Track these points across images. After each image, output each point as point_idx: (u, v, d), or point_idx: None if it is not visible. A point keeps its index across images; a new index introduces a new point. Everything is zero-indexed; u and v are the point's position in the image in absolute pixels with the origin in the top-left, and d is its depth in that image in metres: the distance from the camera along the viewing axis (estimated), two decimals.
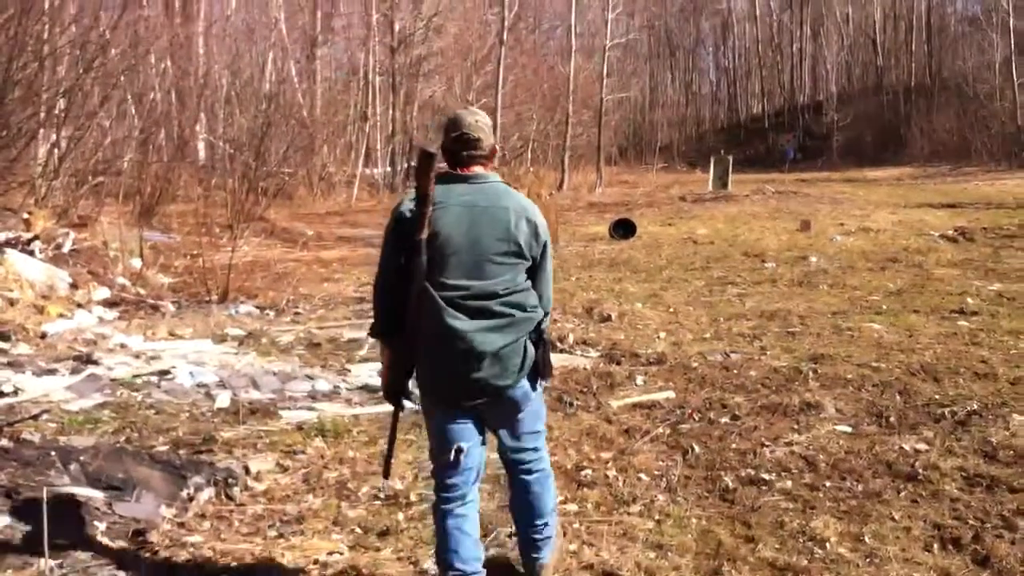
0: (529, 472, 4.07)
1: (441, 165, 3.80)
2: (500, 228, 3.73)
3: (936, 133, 50.75)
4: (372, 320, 3.96)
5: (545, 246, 3.91)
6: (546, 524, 4.11)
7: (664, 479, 5.55)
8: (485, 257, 3.71)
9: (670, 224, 21.97)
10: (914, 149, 51.91)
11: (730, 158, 33.80)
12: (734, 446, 6.09)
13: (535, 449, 4.08)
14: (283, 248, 16.93)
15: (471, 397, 3.80)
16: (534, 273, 3.90)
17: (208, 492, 5.24)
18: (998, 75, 47.69)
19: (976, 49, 53.33)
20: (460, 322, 3.66)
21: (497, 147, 4.08)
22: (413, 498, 5.23)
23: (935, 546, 4.59)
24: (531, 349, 3.84)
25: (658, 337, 9.59)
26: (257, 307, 11.28)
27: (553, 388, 7.53)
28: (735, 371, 8.11)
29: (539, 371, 3.91)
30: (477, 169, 3.83)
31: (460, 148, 3.80)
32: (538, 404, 4.06)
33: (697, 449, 6.03)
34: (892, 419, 6.59)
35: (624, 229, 18.87)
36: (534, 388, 3.93)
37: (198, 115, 23.96)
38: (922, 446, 5.98)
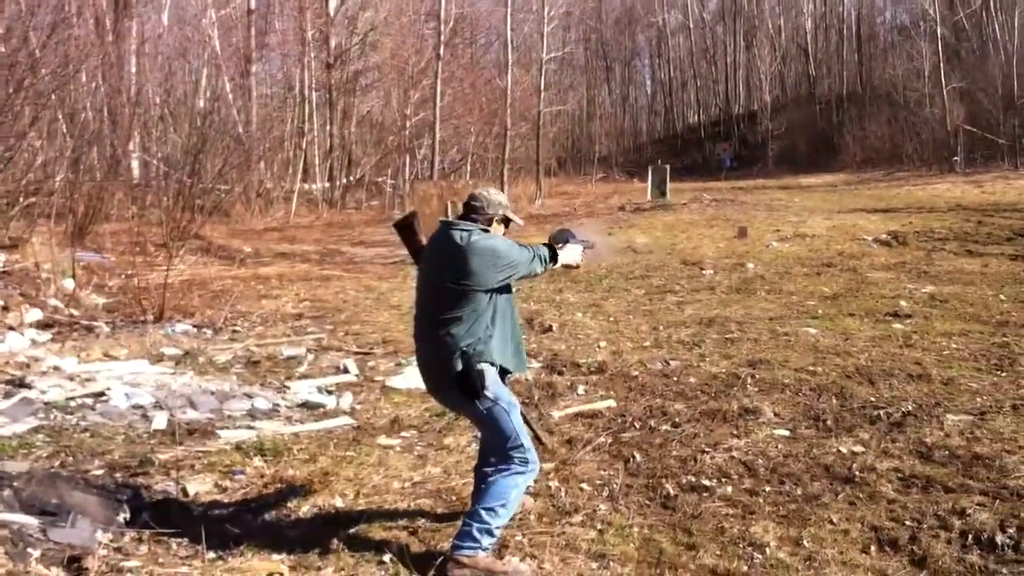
0: None
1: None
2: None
3: (868, 140, 51.68)
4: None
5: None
6: (472, 517, 4.48)
7: (606, 488, 5.56)
8: None
9: (610, 234, 22.06)
10: (847, 156, 52.80)
11: (668, 167, 34.01)
12: (675, 453, 6.13)
13: None
14: (220, 266, 16.74)
15: None
16: None
17: (145, 516, 5.14)
18: (927, 82, 48.67)
19: (905, 57, 54.36)
20: None
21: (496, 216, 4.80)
22: (354, 515, 5.19)
23: (872, 548, 4.66)
24: None
25: (599, 347, 9.63)
26: (194, 326, 11.12)
27: None
28: (675, 378, 8.17)
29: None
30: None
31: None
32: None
33: (639, 457, 6.06)
34: (829, 422, 6.68)
35: (564, 241, 18.89)
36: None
37: (131, 133, 23.59)
38: (859, 448, 6.07)
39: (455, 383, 4.48)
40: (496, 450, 4.59)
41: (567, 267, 5.16)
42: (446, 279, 4.49)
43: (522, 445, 4.58)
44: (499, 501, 4.47)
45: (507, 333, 4.67)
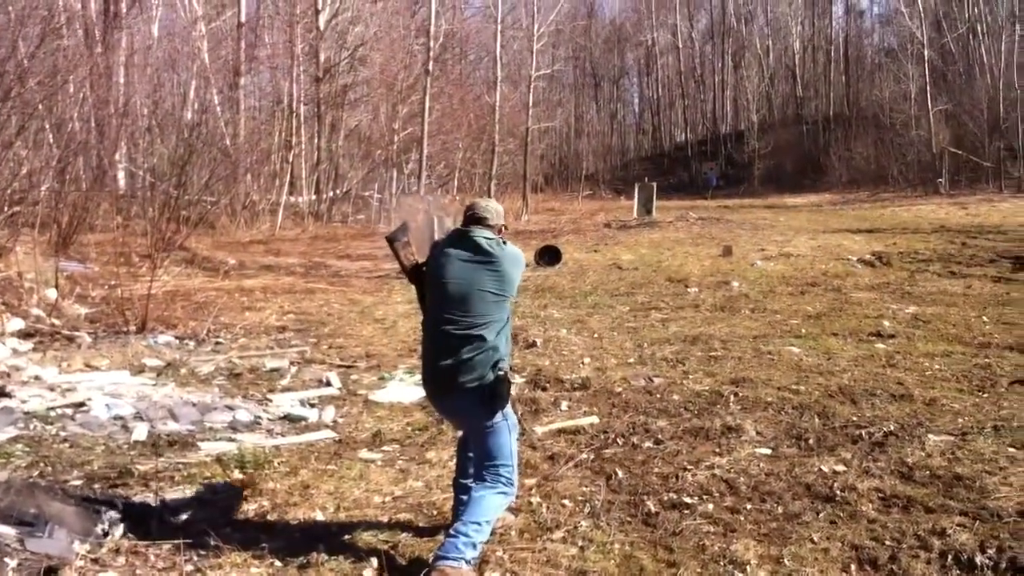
0: None
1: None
2: None
3: (854, 161, 52.12)
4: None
5: None
6: (458, 530, 4.51)
7: (588, 505, 5.55)
8: None
9: (595, 251, 22.13)
10: (833, 176, 53.23)
11: (654, 185, 34.16)
12: (657, 470, 6.13)
13: None
14: (204, 277, 16.68)
15: None
16: None
17: (123, 527, 5.11)
18: (914, 104, 49.11)
19: (892, 79, 54.85)
20: None
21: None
22: (335, 529, 5.16)
23: (853, 567, 4.66)
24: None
25: (583, 363, 9.62)
26: (176, 337, 11.08)
27: None
28: (658, 395, 8.18)
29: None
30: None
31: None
32: None
33: (621, 474, 6.05)
34: (811, 441, 6.69)
35: (550, 256, 18.94)
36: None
37: (118, 144, 23.54)
38: (840, 467, 6.07)
39: (482, 391, 4.58)
40: (490, 465, 4.69)
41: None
42: (484, 286, 4.65)
43: (512, 465, 4.73)
44: (485, 516, 4.55)
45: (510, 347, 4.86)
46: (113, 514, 5.16)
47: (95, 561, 4.71)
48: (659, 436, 6.89)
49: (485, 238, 4.73)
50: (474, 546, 4.48)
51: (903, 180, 46.77)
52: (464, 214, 4.94)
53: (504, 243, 4.79)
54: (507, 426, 4.70)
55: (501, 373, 4.61)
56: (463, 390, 4.60)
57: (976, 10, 52.25)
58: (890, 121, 50.54)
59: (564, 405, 7.96)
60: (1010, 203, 34.36)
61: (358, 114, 37.17)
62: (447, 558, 4.40)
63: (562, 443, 6.83)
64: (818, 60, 72.99)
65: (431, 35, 33.30)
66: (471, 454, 4.91)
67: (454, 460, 6.14)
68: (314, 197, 33.01)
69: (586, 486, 5.88)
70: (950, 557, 4.68)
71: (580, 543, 4.98)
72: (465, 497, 4.74)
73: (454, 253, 4.75)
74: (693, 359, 9.72)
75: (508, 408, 4.69)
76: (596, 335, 11.33)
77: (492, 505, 4.62)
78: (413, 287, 5.06)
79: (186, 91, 30.72)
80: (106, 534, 4.98)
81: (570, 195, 50.37)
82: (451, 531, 4.52)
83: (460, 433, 5.21)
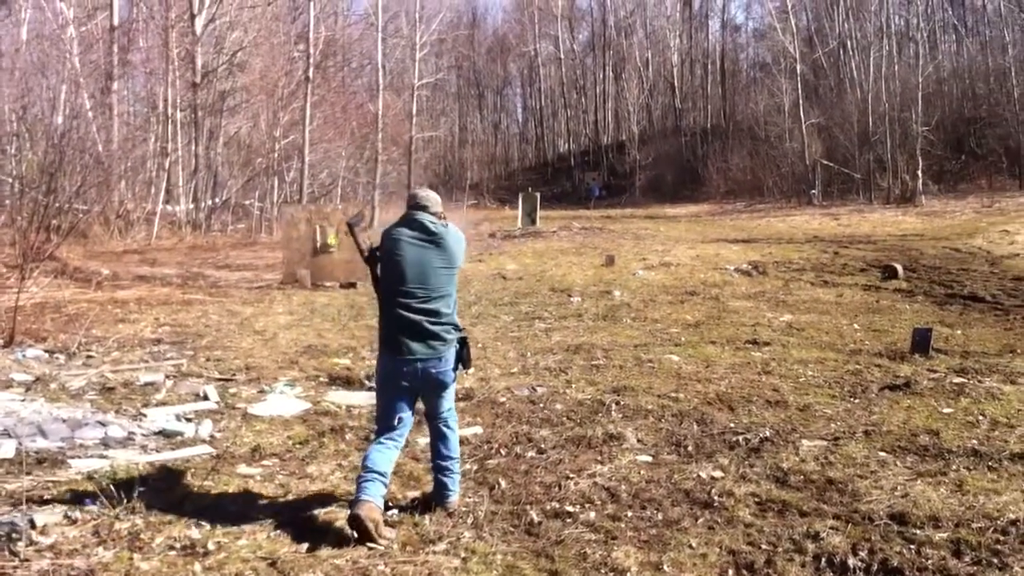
0: None
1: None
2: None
3: (731, 172, 53.47)
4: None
5: None
6: (449, 466, 5.65)
7: (471, 516, 5.52)
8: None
9: (480, 261, 22.16)
10: (711, 187, 54.52)
11: (538, 195, 34.44)
12: (540, 480, 6.14)
13: None
14: (76, 288, 16.10)
15: None
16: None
17: None
18: (787, 118, 50.61)
19: (767, 93, 56.41)
20: None
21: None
22: (211, 547, 5.01)
23: (730, 571, 4.73)
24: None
25: (466, 373, 9.58)
26: (46, 351, 10.65)
27: (360, 427, 7.44)
28: (541, 405, 8.21)
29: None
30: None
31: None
32: None
33: (504, 484, 6.04)
34: (690, 448, 6.80)
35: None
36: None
37: None
38: (718, 473, 6.18)
39: (451, 353, 5.46)
40: (449, 411, 5.70)
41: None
42: (434, 263, 5.43)
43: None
44: (457, 450, 5.73)
45: None
46: None
47: None
48: (542, 445, 6.91)
49: (430, 221, 5.46)
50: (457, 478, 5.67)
51: (778, 191, 48.19)
52: (408, 203, 5.63)
53: (446, 224, 5.54)
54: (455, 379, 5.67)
55: (463, 335, 5.58)
56: (440, 358, 5.41)
57: (846, 26, 54.18)
58: (765, 134, 52.03)
59: None
60: (879, 214, 35.63)
61: (238, 121, 36.50)
62: (452, 492, 5.61)
63: None
64: (696, 73, 74.80)
65: (311, 42, 33.00)
66: (403, 416, 5.51)
67: (335, 474, 6.08)
68: (192, 206, 32.27)
69: (469, 497, 5.85)
70: (824, 560, 4.79)
71: (463, 554, 4.95)
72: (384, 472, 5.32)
73: (406, 235, 5.45)
74: (576, 368, 9.80)
75: None
76: (480, 345, 11.32)
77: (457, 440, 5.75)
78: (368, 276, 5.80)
79: (56, 96, 29.66)
80: None
81: (455, 205, 50.32)
82: (445, 470, 5.59)
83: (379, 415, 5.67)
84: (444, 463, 5.58)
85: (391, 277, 5.44)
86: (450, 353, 5.43)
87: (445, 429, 5.63)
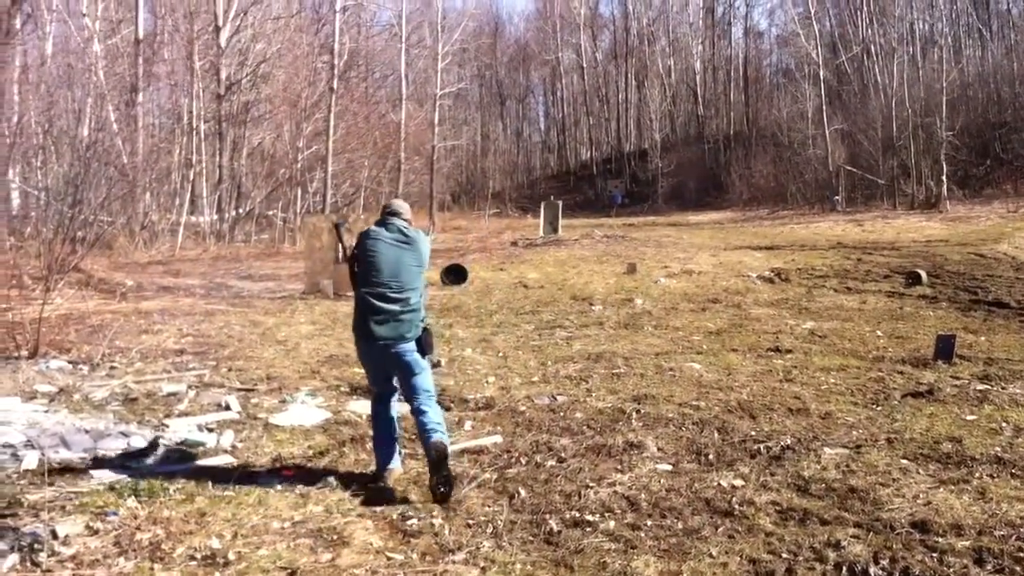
0: None
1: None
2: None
3: (754, 179, 53.18)
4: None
5: None
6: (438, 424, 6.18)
7: (491, 525, 5.52)
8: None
9: (501, 269, 22.15)
10: (733, 194, 54.27)
11: (560, 204, 34.40)
12: (559, 489, 6.13)
13: None
14: (100, 299, 16.21)
15: None
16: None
17: (12, 559, 4.92)
18: (810, 124, 50.38)
19: (790, 99, 56.22)
20: None
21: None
22: (231, 557, 5.04)
23: None
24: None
25: (487, 382, 9.61)
26: (70, 362, 10.72)
27: None
28: (562, 413, 8.20)
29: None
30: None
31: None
32: None
33: (523, 493, 6.04)
34: (711, 456, 6.77)
35: (456, 275, 18.90)
36: None
37: (10, 163, 22.85)
38: (738, 482, 6.15)
39: (416, 341, 6.17)
40: (425, 394, 6.22)
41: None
42: (410, 260, 6.26)
43: (433, 394, 6.37)
44: (441, 417, 6.28)
45: None
46: (2, 545, 4.98)
47: None
48: (562, 454, 6.90)
49: (404, 226, 6.37)
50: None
51: (801, 198, 47.94)
52: (384, 210, 6.59)
53: (417, 231, 6.47)
54: (428, 365, 6.34)
55: (428, 326, 6.32)
56: (404, 340, 6.11)
57: (870, 32, 53.93)
58: (788, 140, 51.77)
59: (468, 425, 7.93)
60: (903, 220, 35.43)
61: (261, 132, 36.72)
62: (444, 433, 6.08)
63: (465, 463, 6.79)
64: (719, 80, 74.62)
65: (335, 52, 33.17)
66: (387, 384, 6.42)
67: (355, 484, 6.09)
68: (216, 216, 32.46)
69: (489, 506, 5.85)
70: (845, 569, 4.76)
71: (482, 564, 4.95)
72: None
73: (385, 236, 6.30)
74: (596, 377, 9.79)
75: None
76: (501, 354, 11.33)
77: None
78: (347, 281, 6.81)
79: (81, 108, 29.95)
80: None
81: (477, 213, 50.37)
82: (430, 426, 6.06)
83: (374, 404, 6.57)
84: (428, 429, 6.07)
85: (370, 272, 6.23)
86: (415, 338, 6.17)
87: (424, 408, 6.17)
